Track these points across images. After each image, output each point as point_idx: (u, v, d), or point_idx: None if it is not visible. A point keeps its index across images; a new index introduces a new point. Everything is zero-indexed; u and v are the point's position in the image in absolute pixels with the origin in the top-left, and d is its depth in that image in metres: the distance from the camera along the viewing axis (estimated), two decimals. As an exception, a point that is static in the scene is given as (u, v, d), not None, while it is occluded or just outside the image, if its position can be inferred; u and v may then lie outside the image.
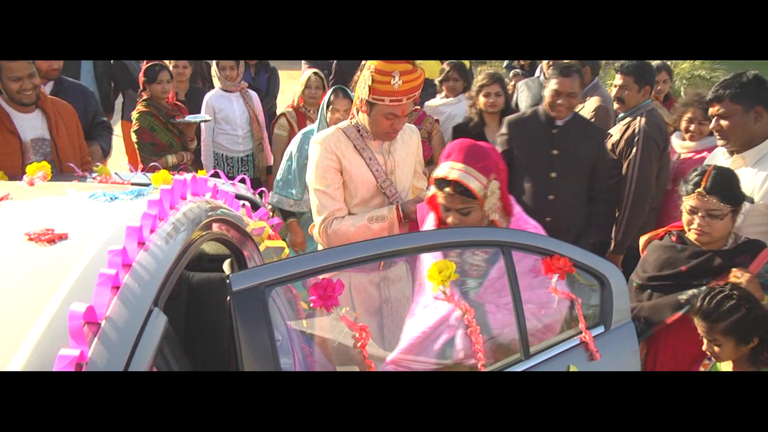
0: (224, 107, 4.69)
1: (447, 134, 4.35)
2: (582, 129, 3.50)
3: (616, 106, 4.05)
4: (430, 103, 4.58)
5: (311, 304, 1.57)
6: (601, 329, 2.16)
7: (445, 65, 4.61)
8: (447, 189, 2.13)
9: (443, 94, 4.61)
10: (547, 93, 3.44)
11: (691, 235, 2.45)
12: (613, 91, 3.93)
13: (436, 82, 4.64)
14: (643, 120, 3.71)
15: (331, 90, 3.69)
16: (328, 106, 3.61)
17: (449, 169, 2.14)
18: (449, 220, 2.16)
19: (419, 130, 3.90)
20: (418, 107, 4.18)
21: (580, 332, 2.08)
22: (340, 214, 2.51)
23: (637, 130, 3.71)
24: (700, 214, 2.39)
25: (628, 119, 3.82)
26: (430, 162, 4.03)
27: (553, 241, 2.05)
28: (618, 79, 3.84)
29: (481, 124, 4.10)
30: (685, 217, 2.47)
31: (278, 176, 3.75)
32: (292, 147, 3.71)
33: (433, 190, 2.24)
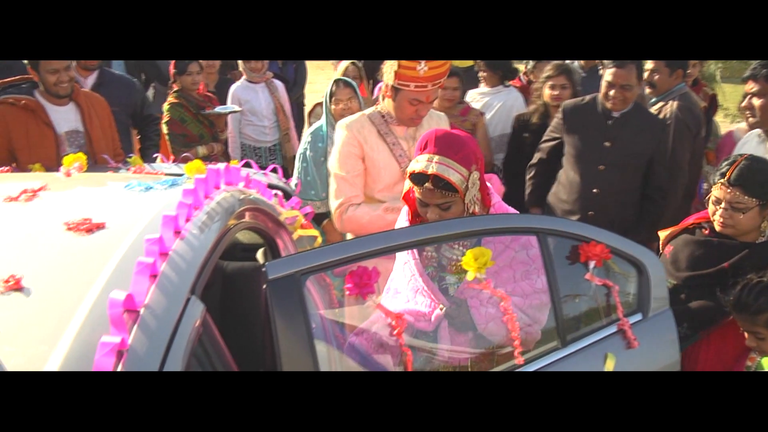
0: (250, 98, 4.68)
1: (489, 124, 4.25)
2: (641, 123, 3.30)
3: (647, 91, 3.97)
4: (473, 92, 4.46)
5: (347, 292, 1.56)
6: (638, 317, 2.12)
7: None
8: (426, 184, 1.94)
9: (482, 84, 4.49)
10: (602, 83, 3.29)
11: (716, 226, 2.36)
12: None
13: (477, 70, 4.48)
14: (675, 104, 3.62)
15: (331, 82, 3.69)
16: (330, 98, 3.60)
17: (427, 162, 1.94)
18: (428, 215, 1.98)
19: (463, 122, 3.87)
20: (463, 102, 4.06)
21: (618, 320, 2.04)
22: (356, 200, 2.54)
23: (668, 115, 3.63)
24: (723, 205, 2.30)
25: (660, 104, 3.74)
26: None
27: (589, 227, 2.02)
28: (649, 63, 3.74)
29: (546, 115, 3.92)
30: (711, 207, 2.38)
31: (295, 181, 3.72)
32: (305, 147, 3.68)
33: (408, 185, 2.04)
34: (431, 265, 2.03)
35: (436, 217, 1.97)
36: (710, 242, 2.37)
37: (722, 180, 2.29)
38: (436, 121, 2.71)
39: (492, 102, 4.37)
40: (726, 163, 2.33)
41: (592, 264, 1.99)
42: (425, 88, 2.41)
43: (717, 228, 2.35)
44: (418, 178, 1.95)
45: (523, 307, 1.90)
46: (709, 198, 2.39)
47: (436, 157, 1.93)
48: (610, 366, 1.95)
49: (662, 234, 2.62)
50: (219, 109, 4.27)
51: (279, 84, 4.88)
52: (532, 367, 1.82)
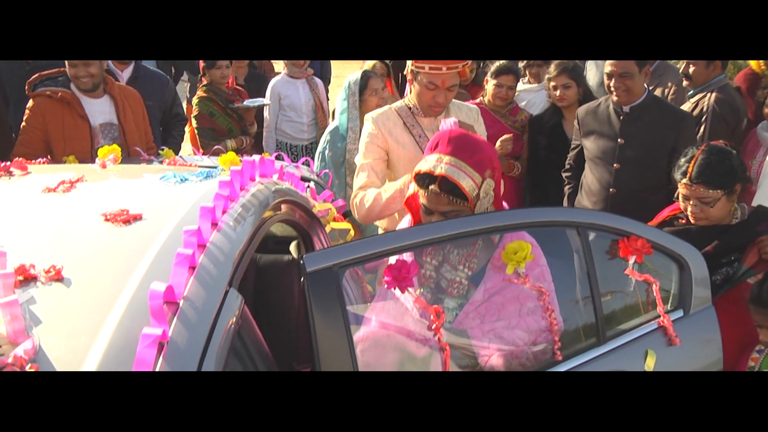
0: (290, 94, 4.57)
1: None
2: (656, 116, 3.10)
3: (684, 83, 3.88)
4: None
5: (384, 285, 1.54)
6: (679, 314, 2.07)
7: None
8: (432, 186, 1.77)
9: (527, 79, 4.32)
10: (605, 75, 3.16)
11: (691, 220, 2.39)
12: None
13: (521, 65, 4.27)
14: (713, 97, 3.53)
15: (359, 76, 3.64)
16: (362, 92, 3.55)
17: (436, 162, 1.78)
18: None
19: (514, 123, 3.81)
20: (512, 102, 3.93)
21: (658, 316, 1.98)
22: (372, 186, 2.47)
23: (705, 108, 3.54)
24: (691, 201, 2.35)
25: (698, 96, 3.65)
26: (519, 158, 3.88)
27: (630, 221, 1.97)
28: None
29: (559, 116, 3.83)
30: (681, 203, 2.42)
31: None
32: (324, 147, 3.64)
33: (413, 188, 1.90)
34: (428, 285, 1.85)
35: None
36: (689, 230, 2.39)
37: (685, 180, 2.34)
38: (466, 113, 2.66)
39: (524, 98, 4.25)
40: (684, 160, 2.37)
41: (632, 259, 1.94)
42: (440, 70, 2.38)
43: (692, 221, 2.39)
44: (424, 179, 1.80)
45: (527, 342, 1.75)
46: (677, 195, 2.44)
47: (447, 158, 1.77)
48: (650, 363, 1.90)
49: None
50: (247, 102, 4.25)
51: (319, 81, 4.79)
52: (570, 365, 1.78)
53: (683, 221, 2.45)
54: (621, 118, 3.13)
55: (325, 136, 3.68)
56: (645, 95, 3.12)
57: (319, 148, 3.69)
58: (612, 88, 3.09)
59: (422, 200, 1.83)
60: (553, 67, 3.81)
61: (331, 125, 3.76)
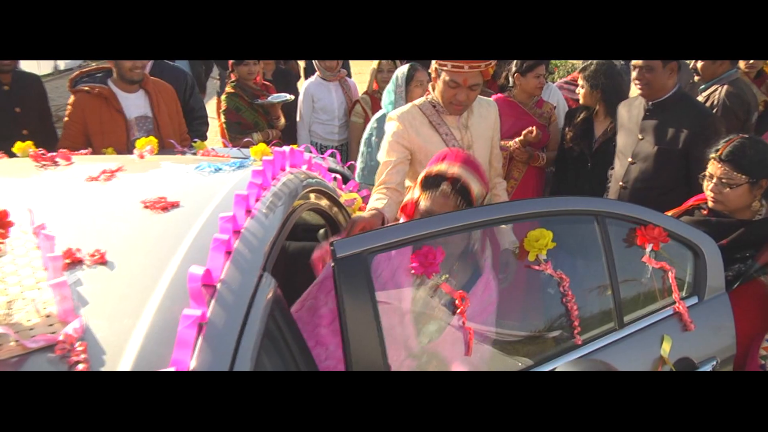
0: (323, 96, 4.49)
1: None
2: (678, 113, 2.93)
3: (696, 78, 3.81)
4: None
5: (411, 271, 1.52)
6: (694, 300, 2.03)
7: None
8: (444, 186, 1.77)
9: None
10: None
11: (708, 202, 2.37)
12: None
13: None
14: (724, 91, 3.46)
15: (406, 69, 3.60)
16: (408, 82, 3.54)
17: (448, 165, 1.82)
18: None
19: (540, 116, 3.76)
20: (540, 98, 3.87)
21: (674, 302, 1.95)
22: (389, 185, 2.41)
23: (716, 102, 3.47)
24: (714, 181, 2.31)
25: (709, 90, 3.58)
26: (545, 148, 3.83)
27: (648, 210, 1.94)
28: None
29: (591, 110, 3.70)
30: (705, 183, 2.38)
31: (360, 165, 3.67)
32: (370, 132, 3.64)
33: (408, 197, 1.89)
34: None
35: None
36: (709, 221, 2.35)
37: (714, 155, 2.31)
38: (486, 108, 2.63)
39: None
40: (723, 141, 2.34)
41: (649, 247, 1.91)
42: (462, 69, 2.34)
43: (709, 203, 2.36)
44: (434, 180, 1.80)
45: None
46: (704, 175, 2.40)
47: (459, 164, 1.82)
48: (666, 348, 1.87)
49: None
50: (271, 98, 4.22)
51: (352, 82, 4.70)
52: (589, 349, 1.76)
53: (705, 212, 2.40)
54: (646, 113, 3.03)
55: (372, 123, 3.69)
56: (672, 92, 2.96)
57: (366, 134, 3.69)
58: (636, 82, 3.01)
59: (425, 204, 1.81)
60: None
61: (379, 113, 3.76)
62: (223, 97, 4.25)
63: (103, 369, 1.02)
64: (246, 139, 3.25)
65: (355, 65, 6.21)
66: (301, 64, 6.38)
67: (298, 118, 4.54)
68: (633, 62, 3.01)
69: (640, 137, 3.02)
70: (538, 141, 3.61)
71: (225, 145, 3.14)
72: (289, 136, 4.61)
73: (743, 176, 2.25)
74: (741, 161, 2.25)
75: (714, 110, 3.42)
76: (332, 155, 2.87)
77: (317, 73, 4.55)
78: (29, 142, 2.15)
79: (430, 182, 1.82)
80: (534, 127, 3.55)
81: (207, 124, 4.17)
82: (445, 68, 2.37)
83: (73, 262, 1.26)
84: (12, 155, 2.18)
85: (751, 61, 3.98)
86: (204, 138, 4.02)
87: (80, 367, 1.00)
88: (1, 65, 3.27)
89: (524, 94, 3.73)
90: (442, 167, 1.82)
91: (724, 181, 2.27)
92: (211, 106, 6.16)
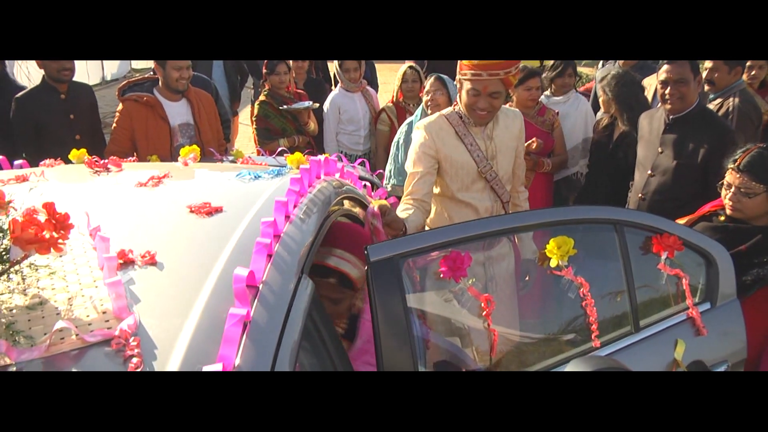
0: (348, 108, 4.42)
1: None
2: (698, 128, 2.85)
3: (707, 88, 3.76)
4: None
5: (440, 275, 1.52)
6: (707, 306, 2.01)
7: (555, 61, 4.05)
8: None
9: (550, 90, 4.14)
10: (657, 86, 2.98)
11: (726, 210, 2.33)
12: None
13: (543, 76, 4.02)
14: (737, 99, 3.42)
15: (434, 78, 3.66)
16: (428, 93, 3.60)
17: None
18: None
19: (542, 123, 3.75)
20: (539, 102, 3.85)
21: (687, 308, 1.93)
22: (416, 196, 2.40)
23: (731, 109, 3.43)
24: (732, 190, 2.28)
25: (720, 99, 3.54)
26: (550, 155, 3.83)
27: (663, 219, 1.93)
28: (708, 62, 3.53)
29: (612, 121, 3.66)
30: (723, 192, 2.35)
31: (389, 165, 3.70)
32: (400, 137, 3.68)
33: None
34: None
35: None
36: (726, 227, 2.32)
37: (733, 166, 2.28)
38: (512, 118, 2.60)
39: (567, 110, 4.06)
40: (741, 151, 2.30)
41: (664, 255, 1.89)
42: (480, 77, 2.29)
43: (727, 211, 2.33)
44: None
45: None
46: (722, 183, 2.36)
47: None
48: (680, 351, 1.86)
49: (681, 222, 2.48)
50: (296, 105, 4.22)
51: (373, 92, 4.67)
52: (606, 351, 1.75)
53: (722, 218, 2.37)
54: (667, 126, 2.97)
55: (403, 127, 3.71)
56: (694, 106, 2.91)
57: (396, 137, 3.71)
58: (666, 96, 2.89)
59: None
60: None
61: (409, 118, 3.79)
62: (256, 105, 4.29)
63: (154, 363, 1.04)
64: (280, 149, 3.28)
65: (381, 75, 6.22)
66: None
67: (324, 129, 4.53)
68: (663, 77, 2.87)
69: (660, 150, 2.98)
70: (540, 150, 3.64)
71: (258, 153, 3.17)
72: (317, 145, 4.63)
73: (761, 186, 2.22)
74: (759, 171, 2.22)
75: (729, 117, 3.37)
76: (362, 164, 2.89)
77: (340, 84, 4.51)
78: (83, 150, 2.19)
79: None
80: (534, 139, 3.55)
81: (229, 128, 4.26)
82: (465, 77, 2.35)
83: (126, 262, 1.29)
84: (68, 162, 2.23)
85: (753, 72, 3.93)
86: (228, 140, 4.10)
87: (134, 361, 1.02)
88: (61, 75, 3.33)
89: (527, 103, 3.72)
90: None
91: (742, 190, 2.25)
92: (245, 114, 6.22)
